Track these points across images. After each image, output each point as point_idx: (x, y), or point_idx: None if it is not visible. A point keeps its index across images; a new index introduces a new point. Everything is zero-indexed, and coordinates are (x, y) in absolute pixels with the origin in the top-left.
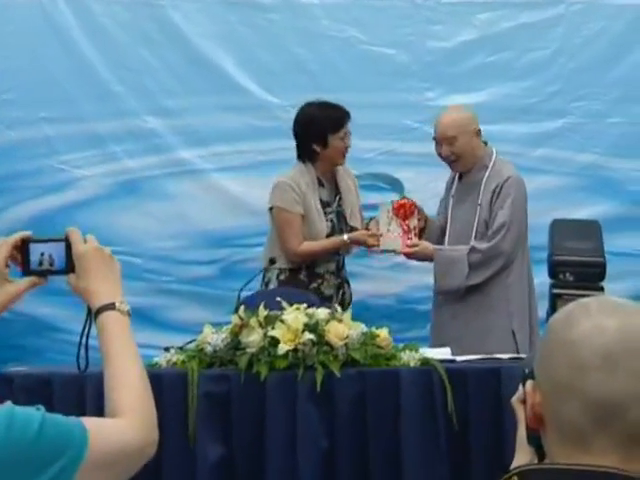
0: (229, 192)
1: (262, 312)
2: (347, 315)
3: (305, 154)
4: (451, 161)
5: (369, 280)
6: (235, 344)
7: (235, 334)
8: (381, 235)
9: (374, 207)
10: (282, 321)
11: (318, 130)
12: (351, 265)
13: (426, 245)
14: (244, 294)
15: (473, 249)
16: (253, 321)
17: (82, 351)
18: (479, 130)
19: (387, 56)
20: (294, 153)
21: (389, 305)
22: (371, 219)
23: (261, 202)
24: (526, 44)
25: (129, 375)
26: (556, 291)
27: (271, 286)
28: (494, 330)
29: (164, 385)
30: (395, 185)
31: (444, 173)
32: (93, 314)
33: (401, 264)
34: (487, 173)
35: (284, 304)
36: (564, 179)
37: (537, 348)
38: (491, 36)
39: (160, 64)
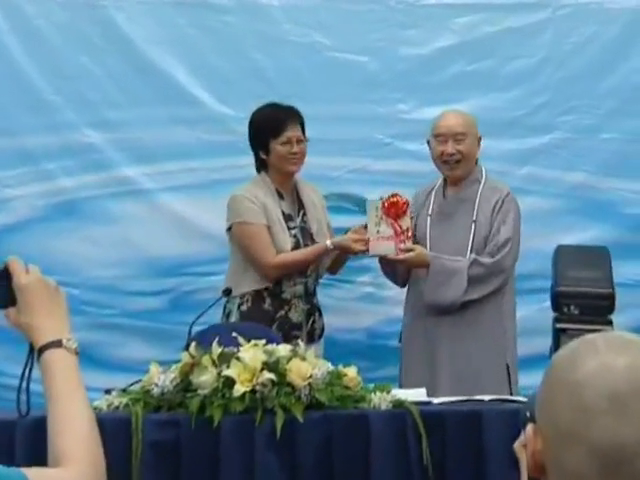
0: (179, 214)
1: (216, 349)
2: (310, 352)
3: (258, 163)
4: (455, 161)
5: (336, 312)
6: (185, 385)
7: (185, 374)
8: (369, 239)
9: (338, 230)
10: (238, 359)
11: (259, 136)
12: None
13: (422, 251)
14: (196, 329)
15: (476, 262)
16: (206, 359)
17: (23, 395)
18: (481, 137)
19: (355, 64)
20: (252, 170)
21: (358, 340)
22: (364, 226)
23: (215, 225)
24: (510, 51)
25: (76, 420)
26: (560, 325)
27: (232, 318)
28: (485, 363)
29: (105, 432)
30: (364, 206)
31: None
32: (36, 352)
33: (372, 294)
34: (481, 187)
35: (241, 340)
36: (551, 201)
37: (539, 389)
38: (471, 42)
39: (101, 71)
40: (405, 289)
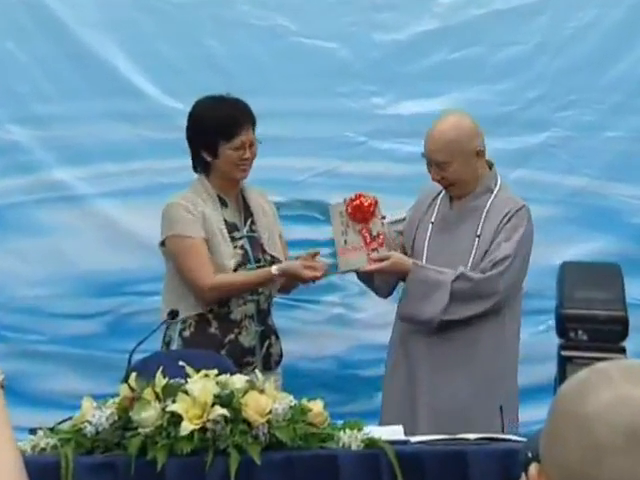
0: (118, 224)
1: (160, 381)
2: (270, 384)
3: (197, 164)
4: (444, 186)
5: (299, 337)
6: (124, 423)
7: (124, 410)
8: (339, 251)
9: (303, 243)
10: (186, 392)
11: (206, 135)
12: (275, 319)
13: (400, 258)
14: (136, 357)
15: (463, 276)
16: (148, 393)
17: None
18: (481, 150)
19: (323, 51)
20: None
21: (325, 370)
22: (314, 254)
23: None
24: (500, 37)
25: (1, 463)
26: (566, 353)
27: (173, 347)
28: (473, 397)
29: (30, 478)
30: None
31: (400, 200)
32: None
33: (341, 316)
34: (491, 199)
35: (189, 370)
36: (548, 209)
37: (545, 424)
38: (456, 27)
39: (29, 58)
40: (386, 308)
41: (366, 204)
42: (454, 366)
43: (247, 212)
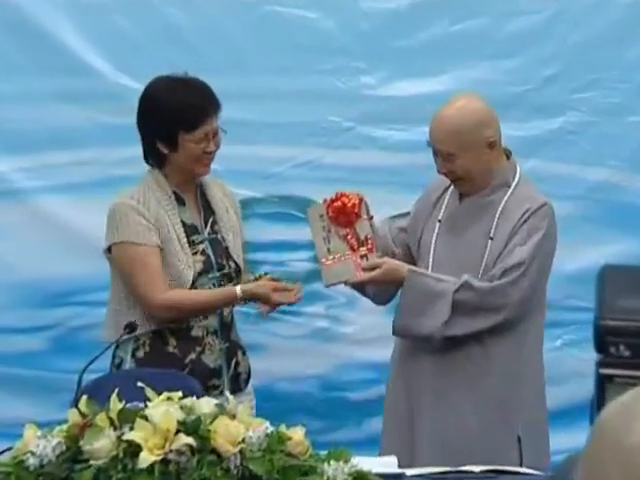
0: (66, 223)
1: (115, 405)
2: (245, 406)
3: (150, 155)
4: (451, 180)
5: (276, 355)
6: (73, 454)
7: (73, 439)
8: (322, 262)
9: (281, 245)
10: (145, 418)
11: (163, 123)
12: (248, 333)
13: (393, 265)
14: (88, 377)
15: (466, 285)
16: (101, 419)
17: None
18: (493, 141)
19: (303, 22)
20: None
21: (307, 392)
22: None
23: None
24: (509, 5)
25: None
26: (605, 371)
27: (125, 368)
28: (483, 425)
29: None
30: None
31: (394, 196)
32: None
33: (325, 330)
34: (508, 195)
35: (148, 392)
36: (563, 205)
37: (583, 454)
38: None
39: None
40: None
41: (349, 204)
42: (461, 390)
43: (208, 210)
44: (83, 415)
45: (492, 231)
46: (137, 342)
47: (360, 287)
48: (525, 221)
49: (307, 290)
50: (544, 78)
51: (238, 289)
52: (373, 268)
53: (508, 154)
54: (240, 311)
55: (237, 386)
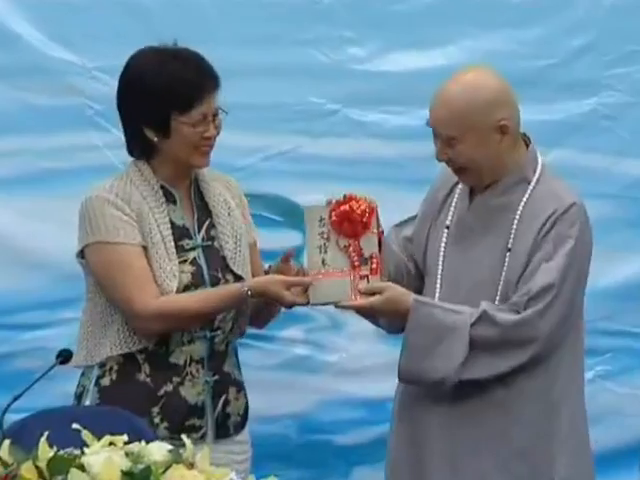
0: None
1: (45, 451)
2: (204, 454)
3: (135, 145)
4: (455, 168)
5: (248, 388)
6: None
7: None
8: (309, 274)
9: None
10: (82, 467)
11: (151, 104)
12: None
13: (397, 292)
14: (12, 417)
15: (485, 317)
16: (28, 468)
17: None
18: (506, 125)
19: None
20: (114, 154)
21: (283, 435)
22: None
23: (51, 246)
24: None
25: None
26: None
27: (87, 400)
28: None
29: None
30: (293, 215)
31: (390, 195)
32: None
33: (306, 359)
34: (528, 194)
35: (86, 435)
36: (595, 205)
37: None
38: None
39: None
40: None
41: (358, 210)
42: (482, 446)
43: (204, 211)
44: (5, 464)
45: (510, 241)
46: (103, 368)
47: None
48: (551, 228)
49: (283, 311)
50: (572, 50)
51: (245, 287)
52: (373, 293)
53: (527, 142)
54: None
55: (225, 431)
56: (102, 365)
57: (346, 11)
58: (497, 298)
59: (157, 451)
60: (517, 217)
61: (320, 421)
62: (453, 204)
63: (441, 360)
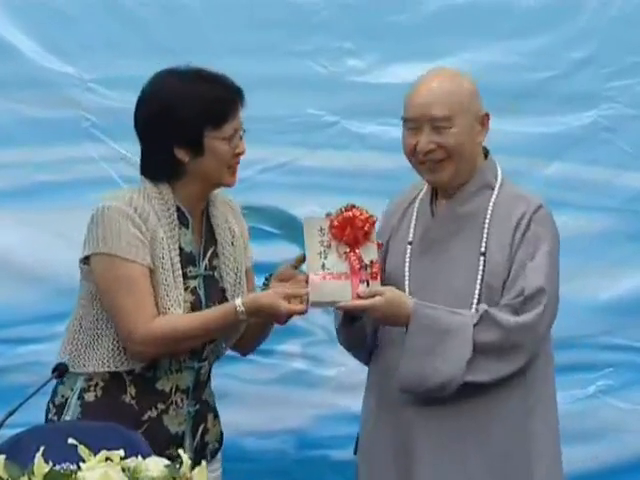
0: None
1: (40, 466)
2: (201, 470)
3: (158, 168)
4: (435, 161)
5: (242, 404)
6: None
7: None
8: (308, 277)
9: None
10: None
11: (183, 124)
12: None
13: (397, 294)
14: (6, 432)
15: (488, 318)
16: None
17: None
18: (486, 117)
19: None
20: (112, 168)
21: (280, 450)
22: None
23: (44, 259)
24: None
25: None
26: None
27: (67, 415)
28: None
29: None
30: (291, 228)
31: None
32: None
33: (303, 373)
34: (494, 197)
35: (82, 450)
36: (595, 219)
37: None
38: None
39: None
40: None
41: (361, 217)
42: (460, 444)
43: (210, 238)
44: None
45: (483, 244)
46: (89, 382)
47: (352, 335)
48: (527, 228)
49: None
50: (573, 62)
51: (238, 302)
52: (373, 296)
53: (485, 153)
54: None
55: (202, 458)
56: (88, 379)
57: (345, 22)
58: (474, 303)
59: (154, 466)
60: (487, 221)
61: (318, 436)
62: (413, 220)
63: (445, 361)
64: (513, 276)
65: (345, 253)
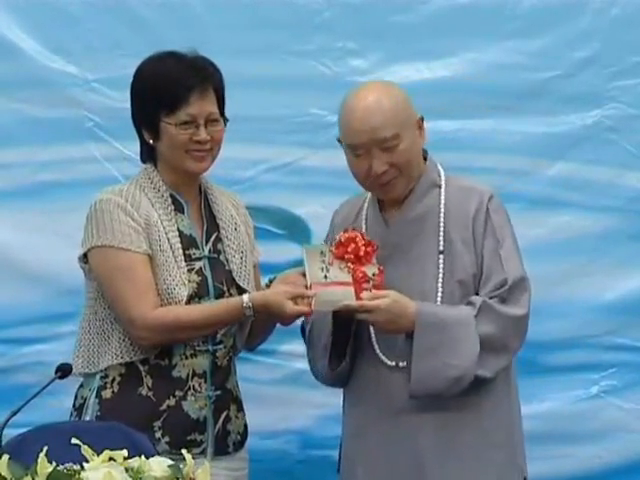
0: None
1: (43, 466)
2: (204, 469)
3: (141, 150)
4: (387, 181)
5: (246, 404)
6: None
7: None
8: (310, 285)
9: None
10: None
11: (143, 106)
12: None
13: (400, 296)
14: (10, 432)
15: (487, 309)
16: None
17: None
18: (421, 120)
19: None
20: (115, 167)
21: (283, 451)
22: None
23: (47, 259)
24: None
25: None
26: None
27: (87, 415)
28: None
29: None
30: (295, 228)
31: None
32: None
33: (305, 373)
34: (443, 194)
35: (86, 451)
36: (599, 218)
37: None
38: None
39: None
40: None
41: (365, 238)
42: (460, 444)
43: (212, 223)
44: (4, 479)
45: (441, 243)
46: (105, 379)
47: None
48: (486, 220)
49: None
50: (576, 62)
51: (245, 298)
52: (377, 297)
53: (424, 155)
54: None
55: (224, 448)
56: (104, 376)
57: (348, 22)
58: (439, 302)
59: (157, 466)
60: (441, 219)
61: (321, 436)
62: (363, 229)
63: (456, 356)
64: (487, 267)
65: (347, 267)
